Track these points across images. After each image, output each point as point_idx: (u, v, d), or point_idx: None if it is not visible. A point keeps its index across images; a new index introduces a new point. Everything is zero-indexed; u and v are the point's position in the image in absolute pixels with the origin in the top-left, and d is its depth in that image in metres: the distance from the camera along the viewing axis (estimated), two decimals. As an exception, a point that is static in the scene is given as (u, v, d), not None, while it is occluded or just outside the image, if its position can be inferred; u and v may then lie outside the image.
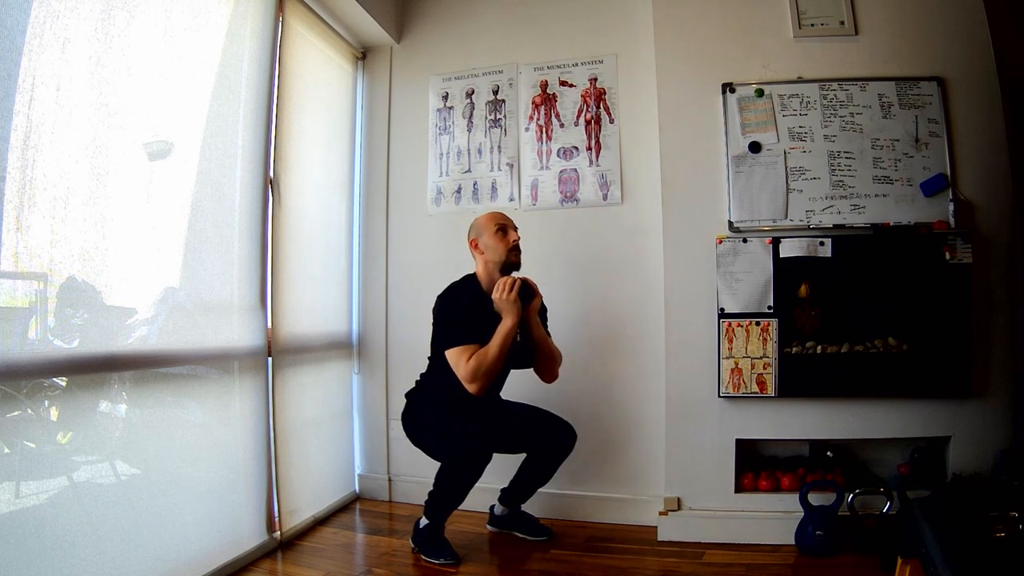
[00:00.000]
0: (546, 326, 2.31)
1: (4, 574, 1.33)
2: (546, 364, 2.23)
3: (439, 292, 2.19)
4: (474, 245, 2.21)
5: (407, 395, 2.26)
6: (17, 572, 1.36)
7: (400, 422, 2.25)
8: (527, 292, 2.13)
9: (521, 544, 2.28)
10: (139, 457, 1.76)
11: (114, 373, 1.66)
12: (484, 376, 2.01)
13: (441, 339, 2.11)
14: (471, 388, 2.01)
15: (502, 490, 2.37)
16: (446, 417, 2.10)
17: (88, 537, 1.54)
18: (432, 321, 2.17)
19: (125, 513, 1.66)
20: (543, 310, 2.31)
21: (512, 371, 2.27)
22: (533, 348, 2.19)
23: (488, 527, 2.42)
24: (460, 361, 2.02)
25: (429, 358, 2.24)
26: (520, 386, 2.34)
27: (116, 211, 1.67)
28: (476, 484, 2.08)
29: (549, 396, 2.49)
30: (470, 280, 2.20)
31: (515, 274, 2.16)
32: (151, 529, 1.73)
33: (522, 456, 2.30)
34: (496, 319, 2.06)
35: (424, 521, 2.17)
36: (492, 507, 2.41)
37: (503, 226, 2.19)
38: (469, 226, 2.28)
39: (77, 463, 1.59)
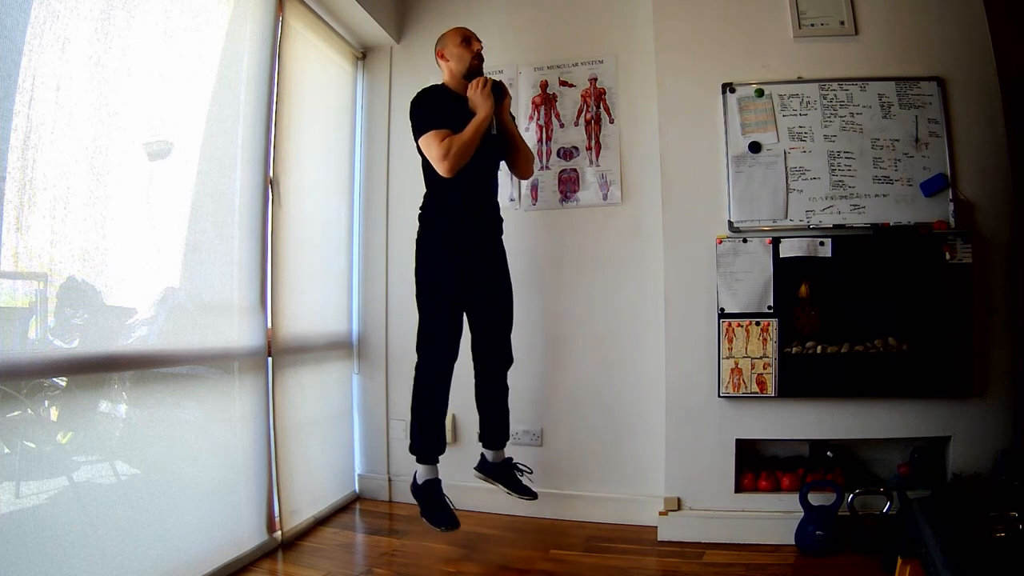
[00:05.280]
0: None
1: (4, 574, 1.33)
2: (521, 158, 2.30)
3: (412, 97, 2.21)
4: (440, 55, 2.28)
5: (419, 218, 2.25)
6: (17, 572, 1.36)
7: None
8: (499, 90, 2.21)
9: (521, 544, 2.28)
10: (139, 457, 1.76)
11: (114, 373, 1.66)
12: (456, 154, 2.04)
13: (419, 132, 2.14)
14: (443, 167, 2.04)
15: (479, 437, 2.35)
16: (443, 258, 2.15)
17: (88, 537, 1.54)
18: (411, 125, 2.18)
19: (125, 513, 1.66)
20: (513, 119, 2.37)
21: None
22: (508, 142, 2.26)
23: (475, 471, 2.36)
24: (433, 143, 2.06)
25: (424, 177, 2.24)
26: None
27: (116, 211, 1.67)
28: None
29: (547, 395, 2.49)
30: (440, 85, 2.27)
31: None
32: (151, 529, 1.73)
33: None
34: (467, 117, 2.11)
35: (420, 472, 2.18)
36: (483, 453, 2.37)
37: (467, 37, 2.25)
38: (436, 41, 2.33)
39: (77, 463, 1.59)
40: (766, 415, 2.27)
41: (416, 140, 2.15)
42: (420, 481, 2.19)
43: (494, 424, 2.33)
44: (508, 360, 2.29)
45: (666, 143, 2.41)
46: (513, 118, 2.37)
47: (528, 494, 2.30)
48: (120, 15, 1.67)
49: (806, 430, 2.27)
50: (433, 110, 2.13)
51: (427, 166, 2.17)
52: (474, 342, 2.28)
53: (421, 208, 2.24)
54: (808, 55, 2.32)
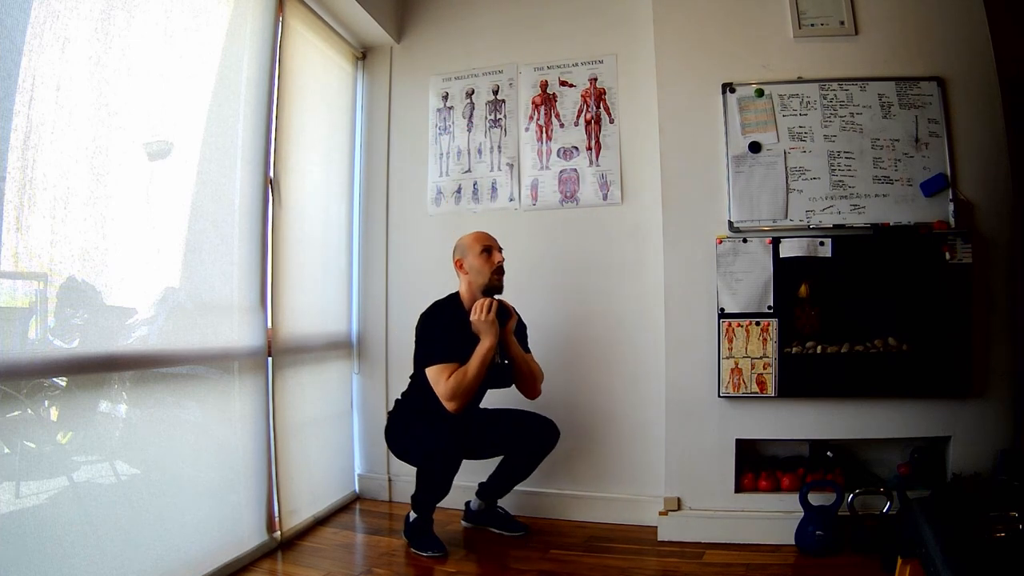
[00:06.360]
0: (526, 344, 2.34)
1: (4, 574, 1.33)
2: (527, 382, 2.27)
3: (423, 310, 2.22)
4: (459, 265, 2.23)
5: (389, 414, 2.31)
6: (17, 572, 1.36)
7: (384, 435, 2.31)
8: (503, 313, 2.16)
9: (521, 544, 2.28)
10: (139, 457, 1.76)
11: (114, 373, 1.66)
12: (463, 395, 2.04)
13: (422, 357, 2.13)
14: (449, 407, 2.04)
15: (480, 484, 2.39)
16: (421, 423, 2.14)
17: (88, 537, 1.54)
18: (415, 339, 2.19)
19: (125, 513, 1.66)
20: (523, 328, 2.35)
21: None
22: (512, 369, 2.23)
23: (463, 523, 2.44)
24: (440, 379, 2.05)
25: (411, 376, 2.27)
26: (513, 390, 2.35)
27: (116, 211, 1.67)
28: (456, 482, 2.13)
29: (547, 395, 2.49)
30: (453, 299, 2.24)
31: (496, 297, 2.19)
32: (151, 529, 1.73)
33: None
34: (477, 338, 2.09)
35: (413, 515, 2.22)
36: (468, 503, 2.44)
37: (488, 247, 2.21)
38: (454, 246, 2.30)
39: (77, 463, 1.59)
40: (766, 415, 2.27)
41: (419, 363, 2.14)
42: (411, 520, 2.22)
43: (506, 487, 2.35)
44: (550, 429, 2.25)
45: (666, 143, 2.41)
46: (525, 327, 2.34)
47: (521, 529, 2.34)
48: (120, 15, 1.67)
49: (806, 430, 2.27)
50: (441, 335, 2.10)
51: (422, 373, 2.13)
52: (507, 451, 2.28)
53: (400, 405, 2.26)
54: (808, 55, 2.32)
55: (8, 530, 1.37)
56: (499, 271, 2.20)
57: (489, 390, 2.30)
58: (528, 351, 2.32)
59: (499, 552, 2.23)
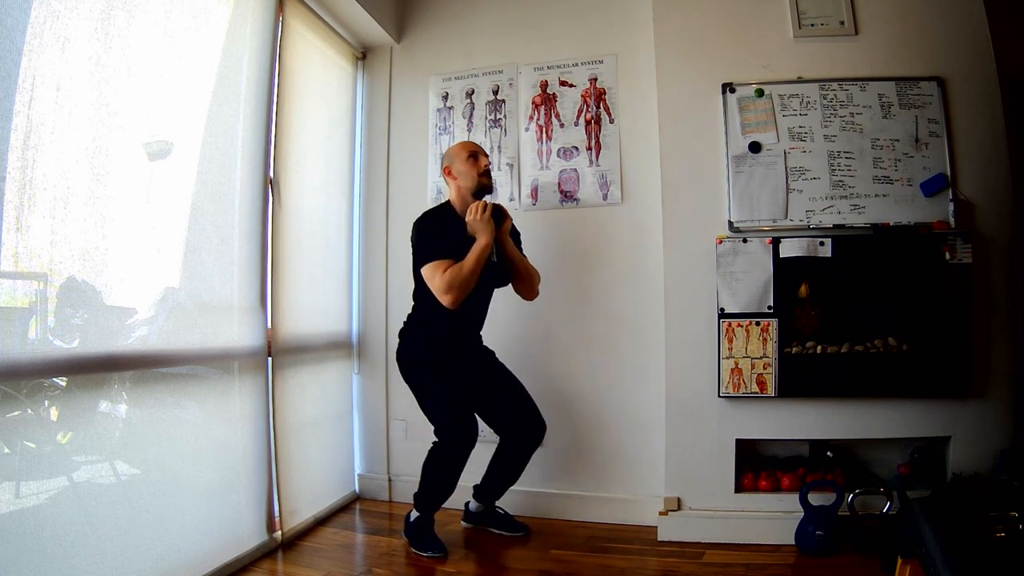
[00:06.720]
0: (520, 249, 2.36)
1: (4, 574, 1.33)
2: (524, 283, 2.29)
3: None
4: (447, 172, 2.25)
5: (400, 334, 2.29)
6: (17, 572, 1.36)
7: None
8: (499, 214, 2.20)
9: (521, 544, 2.28)
10: (139, 457, 1.77)
11: (114, 373, 1.66)
12: (459, 288, 2.04)
13: (418, 258, 2.14)
14: (446, 300, 2.05)
15: (475, 487, 2.39)
16: (434, 368, 2.16)
17: (88, 537, 1.54)
18: (411, 247, 2.20)
19: (125, 513, 1.66)
20: (517, 234, 2.38)
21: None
22: (508, 268, 2.25)
23: (463, 523, 2.44)
24: (435, 274, 2.06)
25: (414, 293, 2.27)
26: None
27: (116, 211, 1.67)
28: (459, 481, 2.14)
29: (547, 394, 2.49)
30: (445, 205, 2.26)
31: (487, 198, 2.22)
32: (151, 529, 1.73)
33: (491, 450, 2.34)
34: (471, 242, 2.11)
35: (414, 514, 2.23)
36: (467, 504, 2.44)
37: (474, 152, 2.24)
38: (442, 155, 2.32)
39: (77, 463, 1.59)
40: (766, 415, 2.27)
41: (416, 267, 2.15)
42: (411, 519, 2.23)
43: (500, 487, 2.36)
44: (539, 427, 2.27)
45: (666, 143, 2.41)
46: (518, 234, 2.37)
47: (521, 529, 2.35)
48: (120, 15, 1.67)
49: (806, 430, 2.27)
50: (435, 238, 2.12)
51: (421, 283, 2.16)
52: (498, 428, 2.30)
53: (407, 323, 2.26)
54: (808, 55, 2.32)
55: (8, 530, 1.37)
56: (486, 174, 2.22)
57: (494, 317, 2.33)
58: (523, 256, 2.34)
59: (499, 552, 2.23)
